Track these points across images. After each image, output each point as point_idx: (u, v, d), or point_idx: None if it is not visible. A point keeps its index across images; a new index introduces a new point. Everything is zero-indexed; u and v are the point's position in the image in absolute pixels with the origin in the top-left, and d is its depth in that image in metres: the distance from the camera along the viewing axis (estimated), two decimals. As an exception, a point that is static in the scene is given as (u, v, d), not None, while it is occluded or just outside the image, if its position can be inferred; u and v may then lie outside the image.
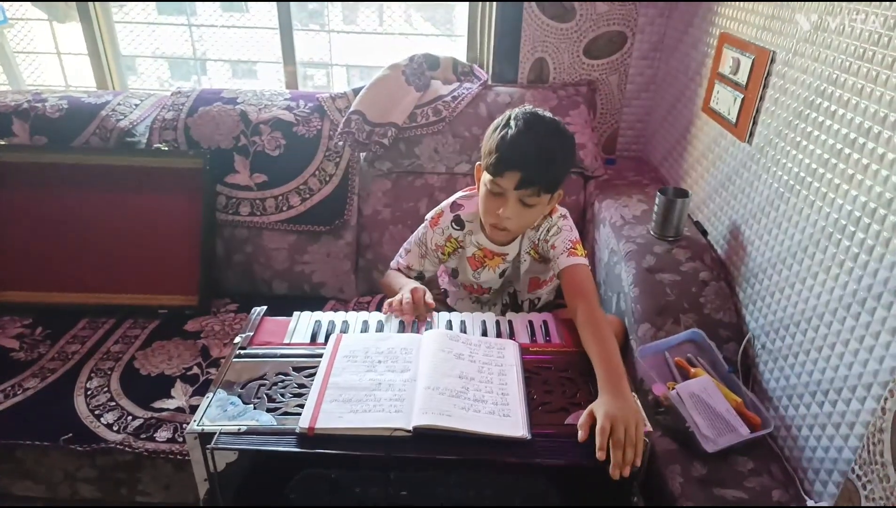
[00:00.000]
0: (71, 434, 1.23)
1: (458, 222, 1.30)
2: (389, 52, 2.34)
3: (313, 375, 0.97)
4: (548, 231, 1.24)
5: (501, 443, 0.86)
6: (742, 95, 1.31)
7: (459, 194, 1.34)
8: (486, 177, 1.16)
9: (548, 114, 1.17)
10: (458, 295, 1.46)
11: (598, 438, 0.84)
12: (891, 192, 0.87)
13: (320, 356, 1.01)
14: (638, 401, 0.93)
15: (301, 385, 0.96)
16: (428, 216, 1.34)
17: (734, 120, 1.34)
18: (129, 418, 1.27)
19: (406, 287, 1.20)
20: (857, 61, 0.96)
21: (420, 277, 1.35)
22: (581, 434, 0.86)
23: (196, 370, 1.41)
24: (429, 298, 1.17)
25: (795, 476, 1.02)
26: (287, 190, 1.72)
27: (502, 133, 1.12)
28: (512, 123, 1.13)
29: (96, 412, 1.28)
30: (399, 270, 1.36)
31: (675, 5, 1.78)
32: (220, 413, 0.89)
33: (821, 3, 1.07)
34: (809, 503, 0.97)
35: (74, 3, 1.99)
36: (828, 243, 1.01)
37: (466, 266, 1.34)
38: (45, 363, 1.43)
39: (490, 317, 1.17)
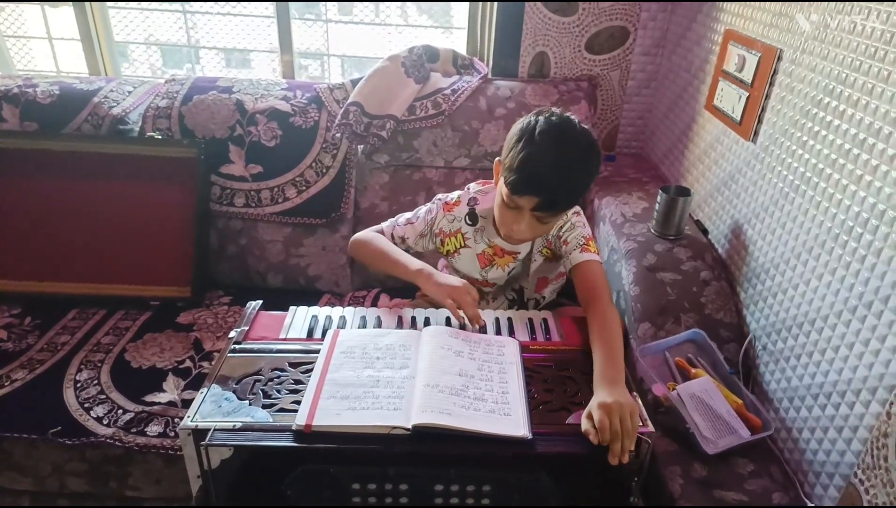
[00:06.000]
0: (60, 427, 1.20)
1: (472, 217, 1.25)
2: (385, 44, 2.32)
3: (310, 371, 0.95)
4: (560, 228, 1.21)
5: (502, 442, 0.84)
6: (747, 93, 1.29)
7: (476, 187, 1.28)
8: (503, 188, 1.08)
9: (577, 126, 1.07)
10: None
11: (600, 435, 0.83)
12: (900, 193, 0.86)
13: (317, 351, 0.99)
14: (639, 400, 0.91)
15: (297, 382, 0.94)
16: (442, 197, 1.28)
17: (738, 118, 1.33)
18: (120, 411, 1.24)
19: (447, 276, 1.15)
20: (867, 60, 0.95)
21: (406, 252, 1.26)
22: (592, 437, 0.84)
23: (188, 363, 1.39)
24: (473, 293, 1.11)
25: (796, 479, 1.01)
26: (283, 182, 1.69)
27: (526, 151, 1.03)
28: (538, 138, 1.03)
29: (86, 405, 1.25)
30: (392, 238, 1.28)
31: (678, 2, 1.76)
32: (214, 409, 0.87)
33: (829, 2, 1.06)
34: (810, 505, 0.96)
35: (67, -14, 1.95)
36: (833, 244, 1.00)
37: (475, 264, 1.29)
38: (33, 353, 1.40)
39: (489, 314, 1.15)
